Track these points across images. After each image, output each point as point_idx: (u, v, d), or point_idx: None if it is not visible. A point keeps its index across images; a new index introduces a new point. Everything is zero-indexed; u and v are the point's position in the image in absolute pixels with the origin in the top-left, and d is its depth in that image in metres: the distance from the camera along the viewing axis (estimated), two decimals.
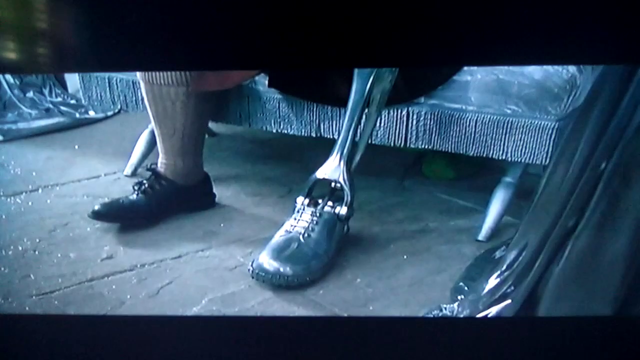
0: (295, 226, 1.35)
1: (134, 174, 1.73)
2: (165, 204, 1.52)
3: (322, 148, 1.46)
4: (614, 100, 1.07)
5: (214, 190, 1.62)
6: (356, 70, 1.34)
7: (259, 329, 1.38)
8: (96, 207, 1.47)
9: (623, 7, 0.90)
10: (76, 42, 1.21)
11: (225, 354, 1.36)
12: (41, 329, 1.42)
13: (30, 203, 1.60)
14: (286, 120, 1.53)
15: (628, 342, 1.15)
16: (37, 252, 1.39)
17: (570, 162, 1.14)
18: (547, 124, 1.35)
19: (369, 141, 1.42)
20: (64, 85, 2.24)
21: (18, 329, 1.41)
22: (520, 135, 1.38)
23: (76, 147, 1.95)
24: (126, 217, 1.48)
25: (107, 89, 1.66)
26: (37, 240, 1.43)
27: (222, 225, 1.52)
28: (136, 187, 1.51)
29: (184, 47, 1.18)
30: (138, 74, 1.50)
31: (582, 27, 0.93)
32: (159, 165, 1.54)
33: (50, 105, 2.13)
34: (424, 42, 1.04)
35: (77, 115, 2.12)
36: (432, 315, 1.24)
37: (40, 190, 1.67)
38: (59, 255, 1.38)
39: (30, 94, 2.12)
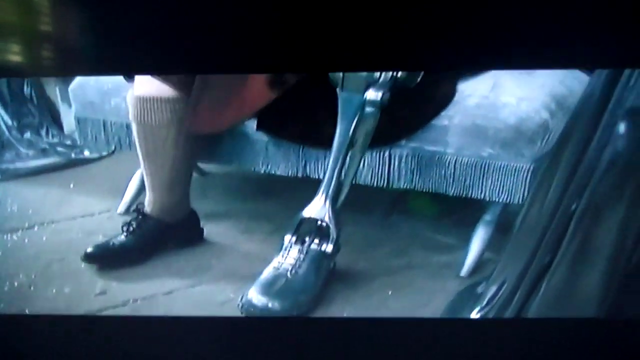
0: (283, 263, 1.41)
1: (127, 211, 1.77)
2: (154, 242, 1.58)
3: (310, 186, 1.51)
4: (583, 143, 1.13)
5: (204, 227, 1.66)
6: (340, 114, 1.41)
7: (258, 329, 1.43)
8: (88, 250, 1.53)
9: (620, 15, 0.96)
10: (78, 45, 1.23)
11: (225, 355, 1.40)
12: (38, 328, 1.45)
13: (26, 240, 1.65)
14: (274, 162, 1.59)
15: (627, 344, 1.20)
16: (32, 288, 1.43)
17: (544, 202, 1.21)
18: (523, 166, 1.42)
19: (354, 181, 1.48)
20: (60, 127, 2.30)
21: (18, 329, 1.44)
22: (497, 176, 1.44)
23: (71, 185, 1.99)
24: (117, 260, 1.54)
25: (102, 130, 1.72)
26: (33, 275, 1.48)
27: (212, 261, 1.56)
28: (124, 228, 1.57)
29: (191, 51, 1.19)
30: (130, 115, 1.55)
31: (585, 32, 0.99)
32: (146, 203, 1.60)
33: (47, 146, 2.19)
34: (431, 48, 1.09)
35: (73, 155, 2.17)
36: None
37: (36, 227, 1.71)
38: (54, 290, 1.43)
39: (27, 135, 2.18)
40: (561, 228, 1.15)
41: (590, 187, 1.10)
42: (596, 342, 1.29)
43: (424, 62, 1.18)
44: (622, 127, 1.06)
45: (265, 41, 1.13)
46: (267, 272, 1.40)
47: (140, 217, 1.58)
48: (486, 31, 1.05)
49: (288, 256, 1.42)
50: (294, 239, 1.44)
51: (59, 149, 2.20)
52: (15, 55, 1.20)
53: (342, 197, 1.46)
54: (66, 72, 1.60)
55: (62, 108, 1.95)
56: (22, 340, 1.44)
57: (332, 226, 1.43)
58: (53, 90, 1.97)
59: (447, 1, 1.04)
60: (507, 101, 1.42)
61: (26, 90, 2.00)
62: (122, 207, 1.79)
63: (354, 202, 1.53)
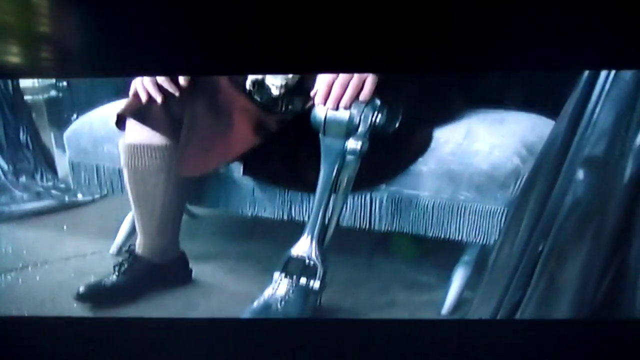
0: (273, 294, 1.48)
1: (119, 253, 1.80)
2: (144, 282, 1.63)
3: (296, 227, 1.56)
4: (547, 188, 1.21)
5: (192, 267, 1.71)
6: (322, 159, 1.47)
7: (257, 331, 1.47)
8: (81, 290, 1.58)
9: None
10: (76, 48, 1.25)
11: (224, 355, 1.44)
12: (35, 330, 1.48)
13: (20, 279, 1.69)
14: (260, 204, 1.64)
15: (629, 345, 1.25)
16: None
17: (514, 242, 1.27)
18: (497, 209, 1.48)
19: (338, 222, 1.54)
20: (54, 171, 2.34)
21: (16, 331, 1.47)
22: (473, 219, 1.50)
23: (64, 227, 2.03)
24: (108, 300, 1.59)
25: (95, 175, 1.77)
26: (25, 313, 1.52)
27: (200, 300, 1.62)
28: (116, 269, 1.63)
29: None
30: (122, 161, 1.61)
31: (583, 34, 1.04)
32: (137, 246, 1.66)
33: (41, 189, 2.22)
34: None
35: (66, 198, 2.21)
36: None
37: (30, 268, 1.75)
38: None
39: (22, 179, 2.22)
40: (529, 268, 1.22)
41: (555, 230, 1.17)
42: (592, 343, 1.34)
43: (422, 63, 1.23)
44: (580, 174, 1.13)
45: (260, 43, 1.16)
46: (258, 302, 1.47)
47: (131, 258, 1.64)
48: (481, 33, 1.10)
49: (278, 288, 1.48)
50: (282, 276, 1.50)
51: (53, 192, 2.24)
52: (13, 57, 1.22)
53: (328, 237, 1.52)
54: (64, 74, 1.62)
55: (57, 153, 2.00)
56: (19, 343, 1.47)
57: (318, 264, 1.49)
58: (48, 136, 2.02)
59: (442, 5, 1.09)
60: (480, 148, 1.47)
61: (22, 136, 2.04)
62: (114, 248, 1.83)
63: (339, 243, 1.58)
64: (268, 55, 1.16)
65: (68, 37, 1.23)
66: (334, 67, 1.32)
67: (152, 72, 1.51)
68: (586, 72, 1.14)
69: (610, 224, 1.11)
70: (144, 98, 1.56)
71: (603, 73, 1.10)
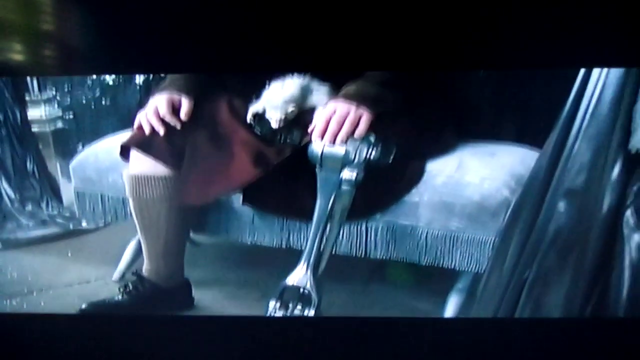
0: None
1: (121, 279, 1.84)
2: (148, 304, 1.68)
3: (294, 255, 1.60)
4: (532, 218, 1.26)
5: (194, 293, 1.75)
6: (319, 190, 1.52)
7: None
8: (83, 306, 1.63)
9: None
10: (79, 45, 1.24)
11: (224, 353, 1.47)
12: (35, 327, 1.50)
13: (25, 304, 1.73)
14: (259, 233, 1.69)
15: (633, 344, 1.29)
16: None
17: (502, 270, 1.32)
18: (488, 238, 1.52)
19: (334, 251, 1.59)
20: (59, 200, 2.39)
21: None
22: (465, 248, 1.55)
23: (69, 254, 2.07)
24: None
25: (99, 203, 1.83)
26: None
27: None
28: (122, 289, 1.68)
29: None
30: (127, 191, 1.67)
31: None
32: (143, 270, 1.71)
33: (47, 217, 2.27)
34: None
35: (71, 226, 2.24)
36: None
37: (34, 293, 1.80)
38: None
39: (28, 207, 2.26)
40: (516, 295, 1.27)
41: (539, 258, 1.22)
42: (590, 342, 1.38)
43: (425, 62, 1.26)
44: (562, 206, 1.19)
45: (265, 42, 1.17)
46: None
47: (138, 280, 1.69)
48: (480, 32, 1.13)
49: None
50: (278, 304, 1.54)
51: (58, 220, 2.28)
52: (16, 54, 1.23)
53: (323, 266, 1.56)
54: (66, 71, 1.64)
55: (62, 182, 2.04)
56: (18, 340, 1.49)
57: (313, 294, 1.53)
58: (54, 165, 2.06)
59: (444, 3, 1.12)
60: (471, 180, 1.52)
61: (29, 165, 2.08)
62: (116, 275, 1.86)
63: (337, 270, 1.63)
64: (269, 54, 1.18)
65: (70, 35, 1.21)
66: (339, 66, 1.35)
67: (154, 70, 1.58)
68: (567, 106, 1.20)
69: (590, 252, 1.16)
70: (147, 130, 1.61)
71: (582, 109, 1.17)
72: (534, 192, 1.27)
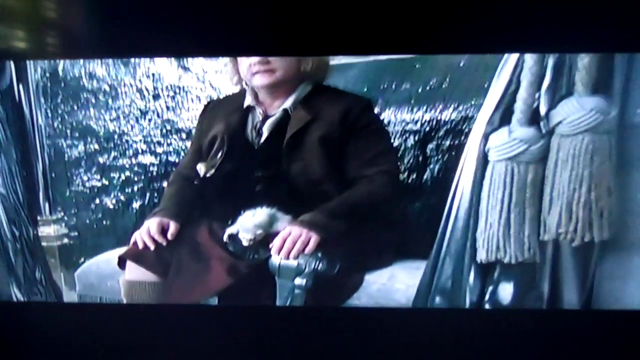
0: None
1: None
2: None
3: None
4: None
5: None
6: (278, 294, 1.82)
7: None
8: None
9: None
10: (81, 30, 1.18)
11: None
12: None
13: None
14: None
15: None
16: None
17: None
18: None
19: None
20: None
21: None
22: None
23: None
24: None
25: None
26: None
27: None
28: None
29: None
30: (122, 294, 1.94)
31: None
32: None
33: None
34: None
35: None
36: None
37: None
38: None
39: None
40: None
41: None
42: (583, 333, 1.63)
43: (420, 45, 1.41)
44: (437, 300, 1.62)
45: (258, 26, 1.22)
46: None
47: None
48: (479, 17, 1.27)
49: None
50: None
51: None
52: (20, 40, 1.22)
53: None
54: (70, 55, 1.75)
55: (65, 290, 2.23)
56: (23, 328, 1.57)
57: None
58: (58, 275, 2.25)
59: None
60: (400, 287, 1.81)
61: (37, 274, 2.28)
62: None
63: None
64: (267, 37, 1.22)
65: (73, 20, 1.21)
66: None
67: (154, 54, 1.69)
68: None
69: None
70: (141, 246, 1.95)
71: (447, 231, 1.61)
72: (422, 292, 1.66)
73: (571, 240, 1.55)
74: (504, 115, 1.55)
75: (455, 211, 1.61)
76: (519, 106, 1.53)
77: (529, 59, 1.49)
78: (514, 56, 1.51)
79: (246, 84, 1.90)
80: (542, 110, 1.53)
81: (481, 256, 1.63)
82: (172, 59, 1.97)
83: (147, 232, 1.93)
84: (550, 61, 1.50)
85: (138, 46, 1.32)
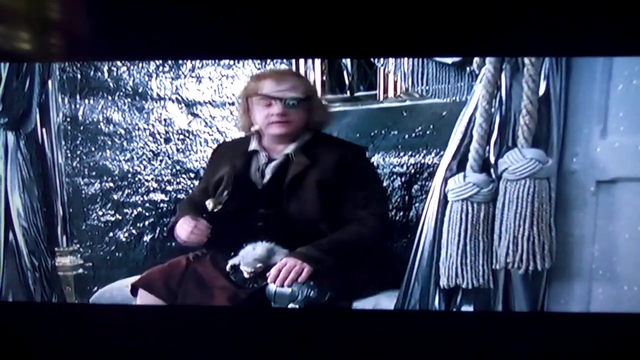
0: None
1: None
2: None
3: None
4: None
5: None
6: None
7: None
8: None
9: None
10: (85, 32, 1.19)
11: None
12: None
13: None
14: None
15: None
16: None
17: None
18: None
19: None
20: None
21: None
22: None
23: None
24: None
25: None
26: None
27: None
28: None
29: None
30: None
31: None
32: None
33: None
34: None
35: None
36: None
37: None
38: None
39: None
40: None
41: None
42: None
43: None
44: None
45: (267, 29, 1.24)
46: None
47: None
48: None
49: None
50: None
51: None
52: (23, 42, 1.22)
53: None
54: (73, 57, 1.81)
55: None
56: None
57: None
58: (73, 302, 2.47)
59: None
60: None
61: (54, 301, 2.49)
62: None
63: None
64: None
65: (77, 22, 1.19)
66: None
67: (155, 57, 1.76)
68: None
69: None
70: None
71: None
72: None
73: (518, 268, 1.77)
74: (460, 163, 1.80)
75: (422, 244, 1.83)
76: (472, 155, 1.79)
77: (479, 116, 1.73)
78: (468, 113, 1.75)
79: (255, 129, 2.09)
80: (492, 159, 1.80)
81: (443, 282, 1.84)
82: (183, 105, 2.26)
83: (184, 222, 2.06)
84: (497, 119, 1.76)
85: (138, 48, 1.36)
